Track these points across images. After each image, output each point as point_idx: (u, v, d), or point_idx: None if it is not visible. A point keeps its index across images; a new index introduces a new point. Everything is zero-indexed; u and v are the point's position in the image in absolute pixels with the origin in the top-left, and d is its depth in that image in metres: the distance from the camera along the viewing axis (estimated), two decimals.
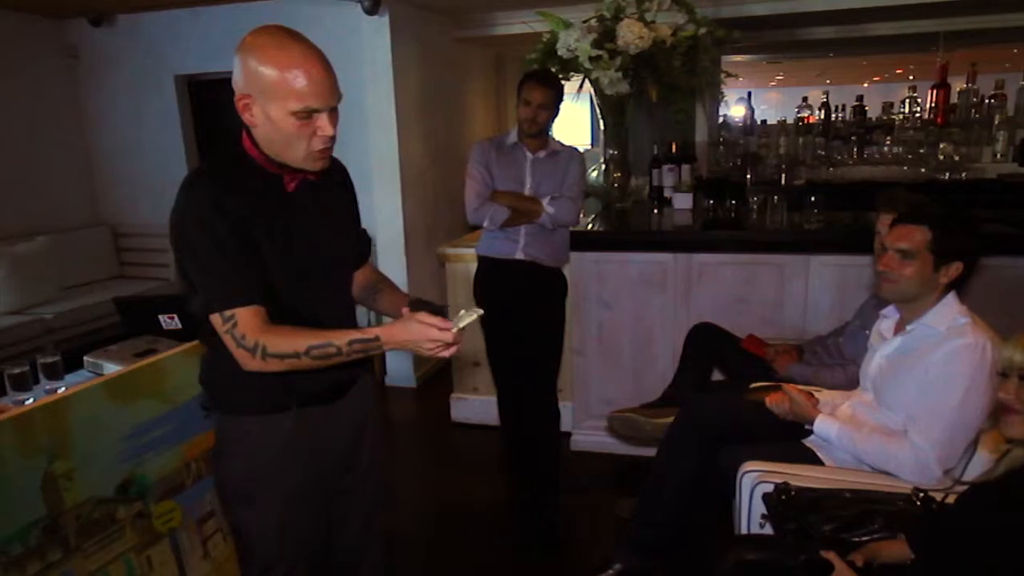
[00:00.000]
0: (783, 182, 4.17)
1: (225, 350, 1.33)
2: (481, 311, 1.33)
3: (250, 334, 1.29)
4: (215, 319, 1.32)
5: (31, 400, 1.88)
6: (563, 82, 2.93)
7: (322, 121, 1.31)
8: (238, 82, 1.29)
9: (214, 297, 1.31)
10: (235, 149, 1.38)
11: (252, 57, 1.27)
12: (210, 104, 4.96)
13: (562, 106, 2.78)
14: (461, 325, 1.31)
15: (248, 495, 1.49)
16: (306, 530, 1.55)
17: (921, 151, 4.48)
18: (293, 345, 1.30)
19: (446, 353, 1.33)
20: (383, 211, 4.20)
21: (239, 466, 1.49)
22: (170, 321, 2.42)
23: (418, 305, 1.42)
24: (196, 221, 1.30)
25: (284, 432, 1.46)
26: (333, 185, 1.52)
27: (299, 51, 1.27)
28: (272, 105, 1.28)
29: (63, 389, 1.92)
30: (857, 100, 5.32)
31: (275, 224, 1.36)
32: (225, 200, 1.30)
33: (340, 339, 1.31)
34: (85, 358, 2.24)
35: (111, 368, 2.10)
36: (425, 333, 1.29)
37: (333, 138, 1.35)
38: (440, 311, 1.36)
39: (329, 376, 1.44)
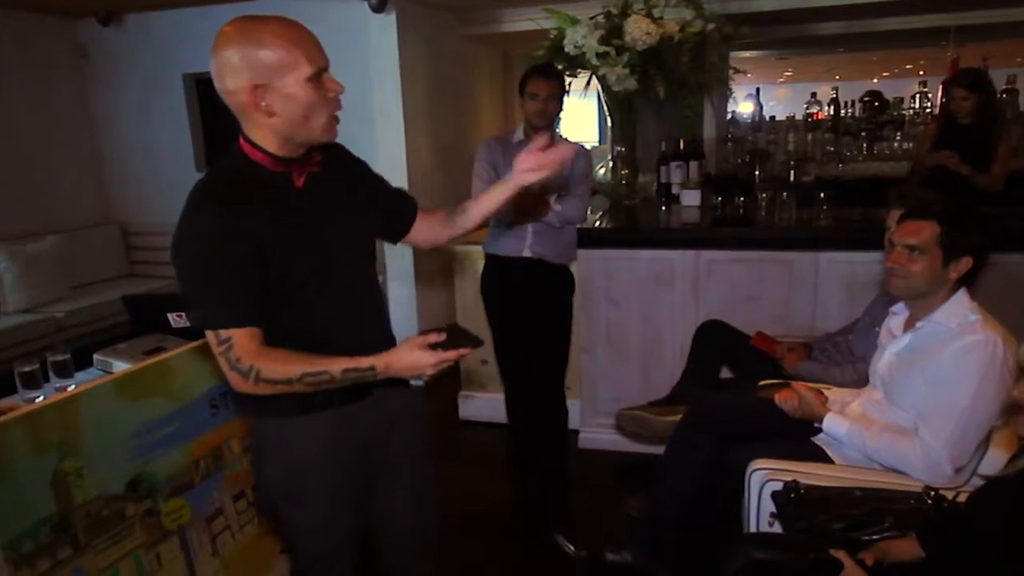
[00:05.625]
0: (792, 178, 4.14)
1: None
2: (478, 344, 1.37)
3: (245, 358, 1.28)
4: (210, 337, 1.31)
5: (41, 398, 1.89)
6: (571, 79, 2.93)
7: (330, 80, 1.33)
8: (241, 78, 1.26)
9: (211, 317, 1.30)
10: (237, 158, 1.37)
11: (248, 47, 1.25)
12: (218, 102, 4.94)
13: (566, 101, 2.78)
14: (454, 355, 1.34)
15: (290, 494, 1.50)
16: (345, 528, 1.56)
17: None
18: (287, 371, 1.29)
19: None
20: None
21: (280, 466, 1.49)
22: (179, 319, 2.43)
23: (453, 331, 1.38)
24: (199, 241, 1.28)
25: (323, 430, 1.45)
26: (338, 174, 1.48)
27: (282, 22, 1.29)
28: (288, 80, 1.27)
29: (73, 387, 1.94)
30: (869, 95, 5.29)
31: (288, 225, 1.34)
32: (232, 218, 1.27)
33: (335, 367, 1.31)
34: (95, 356, 2.26)
35: (120, 366, 2.11)
36: (425, 360, 1.31)
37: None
38: (471, 339, 1.37)
39: None
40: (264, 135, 1.34)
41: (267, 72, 1.26)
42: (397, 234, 1.69)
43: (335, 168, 1.48)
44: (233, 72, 1.27)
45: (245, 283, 1.29)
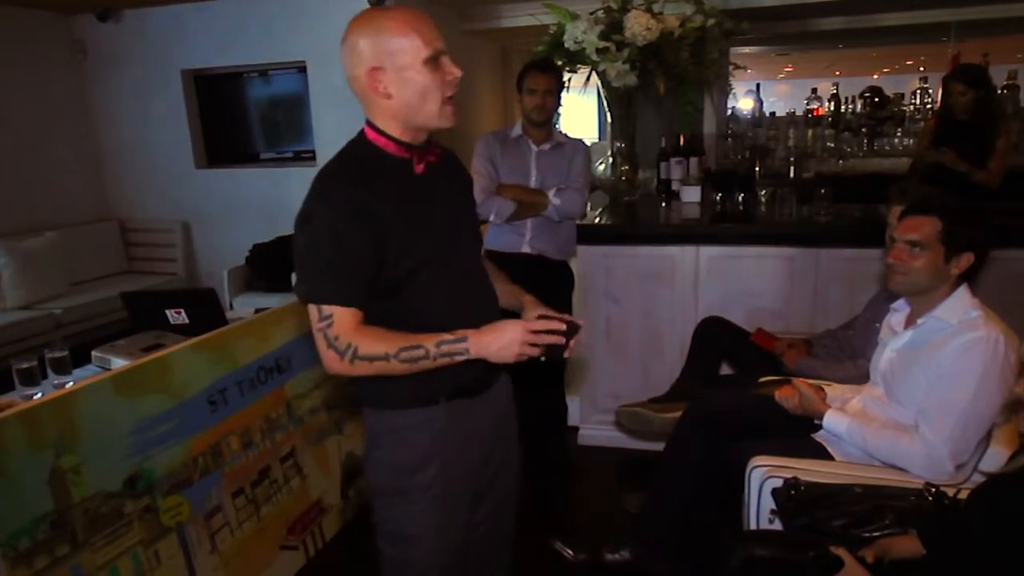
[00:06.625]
0: (792, 175, 4.13)
1: None
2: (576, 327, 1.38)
3: (344, 335, 1.31)
4: (311, 312, 1.33)
5: (39, 395, 1.89)
6: (571, 75, 2.92)
7: (448, 64, 1.36)
8: (362, 62, 1.32)
9: (317, 291, 1.32)
10: (361, 143, 1.41)
11: (369, 33, 1.32)
12: (217, 98, 4.94)
13: (564, 96, 2.78)
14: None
15: (400, 489, 1.46)
16: (454, 526, 1.51)
17: None
18: (384, 346, 1.31)
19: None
20: None
21: (391, 460, 1.46)
22: (177, 316, 2.43)
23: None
24: (326, 218, 1.31)
25: (435, 425, 1.44)
26: (452, 167, 1.54)
27: (403, 9, 1.36)
28: (404, 62, 1.32)
29: (71, 384, 1.94)
30: (870, 91, 5.27)
31: (409, 210, 1.37)
32: (360, 202, 1.31)
33: (429, 340, 1.31)
34: (93, 353, 2.25)
35: (118, 363, 2.11)
36: (516, 332, 1.32)
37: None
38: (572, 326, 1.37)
39: (476, 369, 1.40)
40: (385, 119, 1.38)
41: (385, 55, 1.31)
42: None
43: (449, 166, 1.52)
44: (356, 57, 1.33)
45: (359, 266, 1.32)
